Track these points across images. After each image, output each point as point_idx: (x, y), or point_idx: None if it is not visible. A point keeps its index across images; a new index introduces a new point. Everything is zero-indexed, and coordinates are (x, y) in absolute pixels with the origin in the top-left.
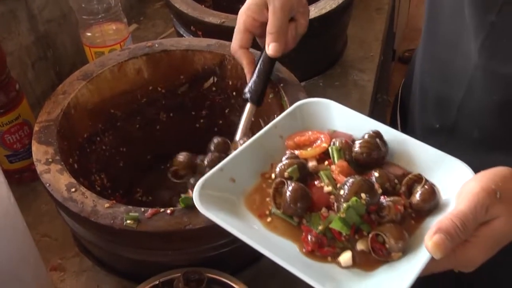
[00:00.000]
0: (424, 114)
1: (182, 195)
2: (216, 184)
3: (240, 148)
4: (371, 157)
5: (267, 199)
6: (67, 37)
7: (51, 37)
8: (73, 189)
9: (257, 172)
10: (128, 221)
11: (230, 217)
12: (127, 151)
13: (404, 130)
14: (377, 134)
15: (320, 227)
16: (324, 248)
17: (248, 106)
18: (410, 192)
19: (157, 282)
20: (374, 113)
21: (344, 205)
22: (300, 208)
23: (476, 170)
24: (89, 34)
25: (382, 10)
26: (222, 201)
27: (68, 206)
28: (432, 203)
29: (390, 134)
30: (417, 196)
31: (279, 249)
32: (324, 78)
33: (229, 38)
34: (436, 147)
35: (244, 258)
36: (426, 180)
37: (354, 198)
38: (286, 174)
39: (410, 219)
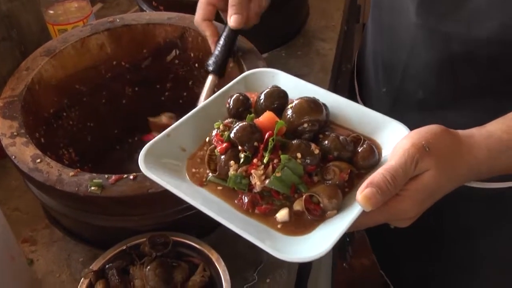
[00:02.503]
0: (375, 80)
1: None
2: (162, 149)
3: (186, 116)
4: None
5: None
6: (30, 16)
7: (14, 16)
8: (38, 160)
9: (203, 140)
10: (93, 188)
11: (175, 180)
12: (94, 126)
13: (361, 96)
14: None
15: (257, 185)
16: (262, 206)
17: (210, 77)
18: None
19: (124, 247)
20: (338, 82)
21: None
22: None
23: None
24: (51, 12)
25: None
26: (168, 166)
27: (34, 176)
28: (371, 161)
29: (334, 99)
30: (357, 156)
31: (222, 209)
32: (286, 48)
33: (190, 12)
34: (385, 111)
35: (210, 221)
36: (365, 140)
37: (285, 156)
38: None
39: (353, 179)
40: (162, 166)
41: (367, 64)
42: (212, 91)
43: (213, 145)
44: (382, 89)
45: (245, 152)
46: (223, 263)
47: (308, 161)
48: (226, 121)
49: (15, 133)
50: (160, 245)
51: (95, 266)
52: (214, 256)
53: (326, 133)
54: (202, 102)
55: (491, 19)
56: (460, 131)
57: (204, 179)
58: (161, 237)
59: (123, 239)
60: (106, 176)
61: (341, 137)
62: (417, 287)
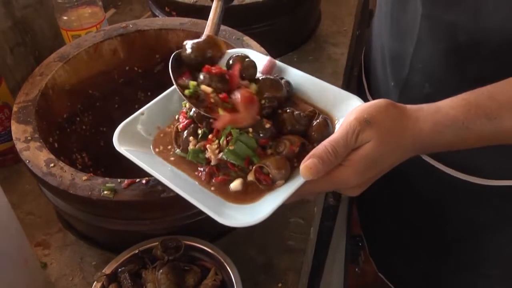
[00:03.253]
0: (383, 74)
1: None
2: (137, 127)
3: (162, 95)
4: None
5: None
6: (44, 22)
7: (28, 22)
8: (52, 164)
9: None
10: (105, 192)
11: (144, 156)
12: (107, 130)
13: (370, 92)
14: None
15: (213, 158)
16: (218, 177)
17: (214, 2)
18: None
19: (137, 251)
20: (350, 86)
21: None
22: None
23: None
24: (65, 18)
25: None
26: (141, 142)
27: (47, 180)
28: (324, 134)
29: (301, 76)
30: (311, 129)
31: (182, 181)
32: (298, 53)
33: (202, 17)
34: None
35: (222, 226)
36: (319, 114)
37: (236, 131)
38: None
39: (307, 152)
40: (134, 143)
41: (374, 58)
42: (219, 16)
43: (178, 124)
44: (390, 83)
45: (203, 128)
46: (235, 267)
47: (261, 134)
48: None
49: (29, 138)
50: (172, 249)
51: (107, 269)
52: (226, 260)
53: (286, 109)
54: (209, 26)
55: (498, 9)
56: (408, 106)
57: (171, 153)
58: (173, 241)
59: (135, 243)
60: (119, 180)
61: (295, 112)
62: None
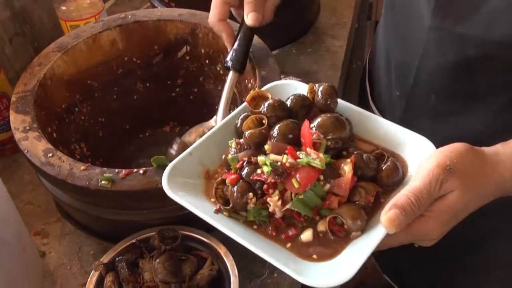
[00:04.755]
0: (388, 82)
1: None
2: (185, 168)
3: (208, 133)
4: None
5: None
6: (43, 12)
7: (27, 12)
8: (50, 154)
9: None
10: (103, 182)
11: (198, 200)
12: (106, 121)
13: (372, 97)
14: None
15: (277, 210)
16: (287, 232)
17: (230, 74)
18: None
19: (134, 241)
20: (349, 79)
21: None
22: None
23: (430, 136)
24: (64, 8)
25: None
26: (191, 185)
27: (45, 170)
28: (395, 178)
29: (358, 113)
30: (380, 173)
31: (247, 233)
32: (297, 45)
33: (201, 8)
34: (397, 115)
35: None
36: (388, 157)
37: None
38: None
39: (378, 197)
40: (184, 186)
41: (379, 65)
42: (233, 87)
43: (219, 178)
44: (395, 92)
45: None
46: (231, 257)
47: (332, 181)
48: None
49: (27, 128)
50: (169, 238)
51: (105, 258)
52: (223, 250)
53: (350, 149)
54: (223, 101)
55: (509, 21)
56: (485, 148)
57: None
58: (170, 231)
59: (133, 233)
60: (117, 170)
61: (364, 155)
62: None
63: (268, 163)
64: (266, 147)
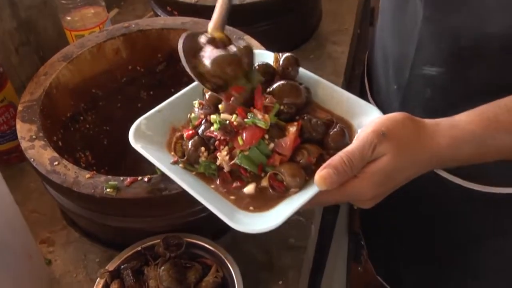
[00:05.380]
0: (385, 77)
1: None
2: (153, 124)
3: (178, 94)
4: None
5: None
6: (48, 23)
7: (32, 22)
8: (55, 163)
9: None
10: (108, 189)
11: (160, 155)
12: (110, 129)
13: (372, 94)
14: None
15: (225, 165)
16: (232, 184)
17: None
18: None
19: (139, 248)
20: (351, 84)
21: None
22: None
23: None
24: (69, 18)
25: None
26: (156, 140)
27: (51, 178)
28: (340, 143)
29: (320, 83)
30: (327, 137)
31: (196, 185)
32: (299, 51)
33: (204, 17)
34: (395, 108)
35: (223, 224)
36: (337, 123)
37: None
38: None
39: (324, 160)
40: (151, 141)
41: (376, 60)
42: (227, 6)
43: (179, 133)
44: (393, 86)
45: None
46: (236, 265)
47: (276, 140)
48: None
49: (33, 136)
50: (174, 246)
51: (110, 266)
52: (227, 258)
53: (304, 115)
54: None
55: (503, 13)
56: (426, 120)
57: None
58: (175, 239)
59: (138, 240)
60: (122, 178)
61: (313, 120)
62: None
63: (217, 121)
64: (220, 106)
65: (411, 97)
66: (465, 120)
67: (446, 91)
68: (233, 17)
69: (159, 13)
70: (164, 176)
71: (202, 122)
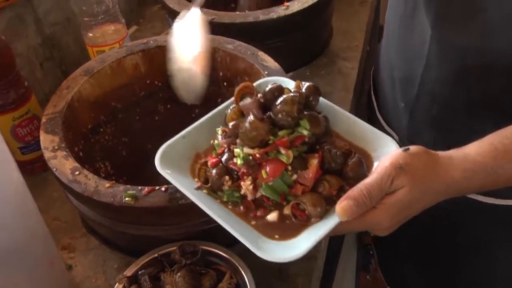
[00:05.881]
0: (392, 94)
1: None
2: (177, 150)
3: (201, 120)
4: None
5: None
6: (71, 39)
7: (56, 39)
8: (77, 172)
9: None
10: (127, 198)
11: (182, 178)
12: (129, 141)
13: (380, 111)
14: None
15: (249, 194)
16: (256, 212)
17: None
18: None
19: (156, 255)
20: (360, 100)
21: None
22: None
23: (434, 146)
24: (90, 34)
25: (365, 3)
26: (180, 165)
27: (73, 187)
28: (359, 173)
29: (337, 112)
30: (346, 168)
31: (221, 212)
32: (310, 67)
33: (218, 34)
34: (403, 126)
35: None
36: (355, 154)
37: None
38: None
39: (344, 190)
40: (176, 166)
41: (383, 77)
42: None
43: (203, 160)
44: (400, 103)
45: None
46: (249, 271)
47: (299, 172)
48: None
49: (56, 147)
50: (189, 253)
51: (128, 272)
52: (241, 265)
53: (323, 145)
54: None
55: (506, 31)
56: (440, 152)
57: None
58: (190, 246)
59: (155, 248)
60: (140, 188)
61: (332, 151)
62: None
63: (241, 156)
64: (238, 141)
65: (419, 113)
66: (475, 151)
67: (453, 107)
68: (247, 33)
69: None
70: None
71: (225, 151)
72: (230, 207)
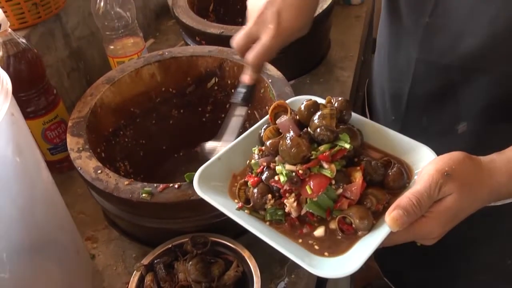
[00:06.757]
0: (383, 109)
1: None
2: (214, 172)
3: (235, 141)
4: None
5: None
6: (95, 51)
7: (82, 51)
8: (99, 171)
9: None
10: (143, 195)
11: (222, 199)
12: (146, 143)
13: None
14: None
15: (293, 211)
16: (302, 230)
17: (242, 110)
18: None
19: (170, 246)
20: (356, 105)
21: None
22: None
23: None
24: (112, 47)
25: (360, 18)
26: (218, 186)
27: (95, 184)
28: (401, 183)
29: (370, 124)
30: (387, 178)
31: (267, 231)
32: (310, 76)
33: (228, 45)
34: None
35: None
36: (395, 163)
37: None
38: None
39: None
40: (214, 188)
41: (375, 93)
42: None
43: (242, 180)
44: (391, 117)
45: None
46: (254, 260)
47: (344, 185)
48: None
49: (81, 148)
50: (200, 244)
51: (145, 261)
52: (247, 254)
53: (361, 157)
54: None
55: (497, 50)
56: (481, 157)
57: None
58: (201, 237)
59: (169, 239)
60: (155, 185)
61: (373, 162)
62: None
63: (284, 173)
64: (278, 158)
65: (409, 126)
66: None
67: (442, 119)
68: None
69: (189, 42)
70: (191, 183)
71: (265, 170)
72: (273, 225)
